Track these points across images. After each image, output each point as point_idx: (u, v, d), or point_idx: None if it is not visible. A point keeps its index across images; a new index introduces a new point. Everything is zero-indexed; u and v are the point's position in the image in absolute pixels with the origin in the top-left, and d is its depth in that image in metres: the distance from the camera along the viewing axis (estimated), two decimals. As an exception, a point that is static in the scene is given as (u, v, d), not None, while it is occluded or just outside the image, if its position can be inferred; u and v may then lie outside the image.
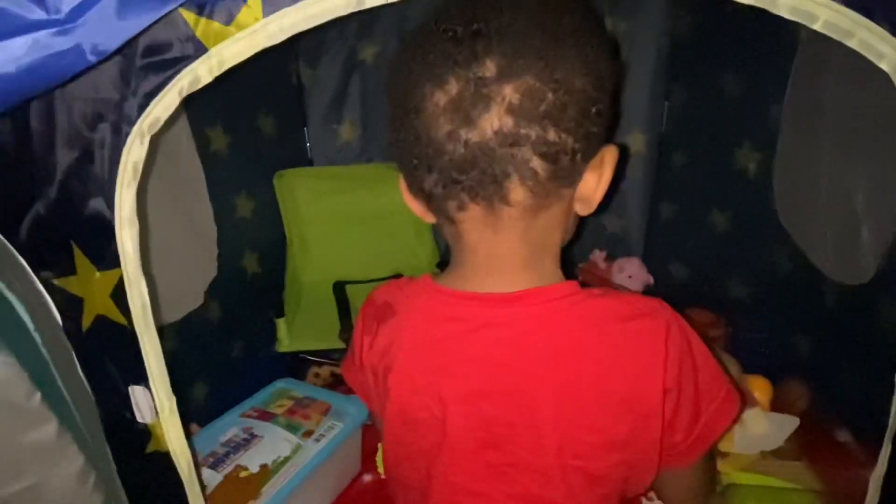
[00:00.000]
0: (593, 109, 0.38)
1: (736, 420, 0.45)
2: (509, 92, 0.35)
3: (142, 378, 0.39)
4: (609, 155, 0.41)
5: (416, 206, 0.43)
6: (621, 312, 0.41)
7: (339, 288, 0.96)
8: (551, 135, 0.36)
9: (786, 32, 0.67)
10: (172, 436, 0.41)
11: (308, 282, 0.98)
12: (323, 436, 0.63)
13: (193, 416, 0.73)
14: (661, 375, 0.40)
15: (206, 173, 0.77)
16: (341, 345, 0.85)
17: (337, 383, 0.84)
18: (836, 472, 0.61)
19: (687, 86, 0.89)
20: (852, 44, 0.36)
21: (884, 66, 0.36)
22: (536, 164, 0.37)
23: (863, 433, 0.58)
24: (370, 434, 0.71)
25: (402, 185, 0.44)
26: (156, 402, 0.40)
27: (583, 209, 0.42)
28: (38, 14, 0.29)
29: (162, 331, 0.69)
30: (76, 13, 0.29)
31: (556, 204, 0.40)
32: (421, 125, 0.37)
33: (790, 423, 0.67)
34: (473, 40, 0.35)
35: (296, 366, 0.86)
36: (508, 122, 0.36)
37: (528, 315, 0.41)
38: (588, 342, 0.40)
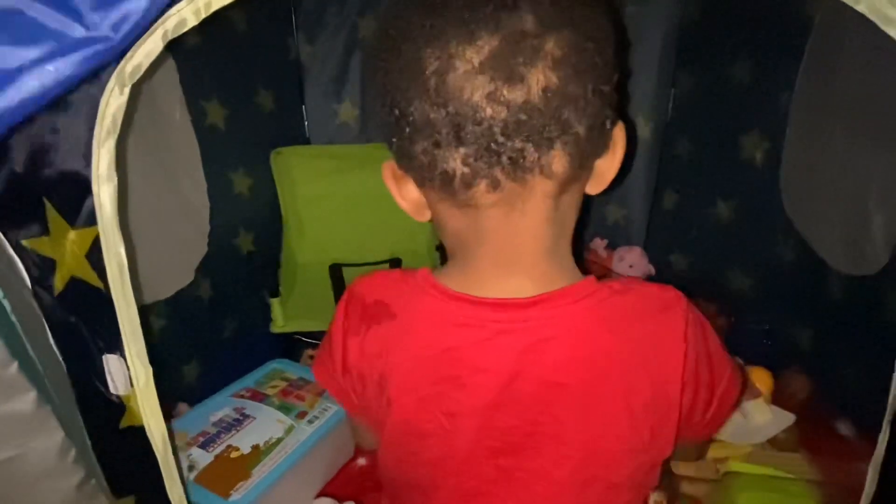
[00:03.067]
0: (615, 76, 0.35)
1: (742, 392, 0.45)
2: (552, 46, 0.32)
3: (116, 346, 0.37)
4: (620, 130, 0.38)
5: (409, 201, 0.39)
6: (643, 309, 0.39)
7: (336, 270, 0.95)
8: (593, 95, 0.33)
9: (797, 18, 0.66)
10: (147, 409, 0.39)
11: (303, 263, 0.96)
12: (317, 418, 0.62)
13: (184, 395, 0.72)
14: (680, 370, 0.38)
15: (200, 147, 0.75)
16: (336, 327, 0.84)
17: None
18: (835, 463, 0.60)
19: (694, 73, 0.87)
20: (860, 8, 0.34)
21: (892, 31, 0.34)
22: (580, 128, 0.33)
23: (864, 425, 0.57)
24: (365, 417, 0.70)
25: (392, 176, 0.39)
26: (131, 373, 0.38)
27: (595, 187, 0.39)
28: (80, 31, 0.29)
29: (151, 307, 0.69)
30: (117, 28, 0.29)
31: (585, 177, 0.38)
32: (448, 90, 0.32)
33: (786, 418, 0.67)
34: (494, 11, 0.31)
35: (290, 347, 0.85)
36: (554, 78, 0.32)
37: (546, 320, 0.37)
38: (613, 346, 0.38)
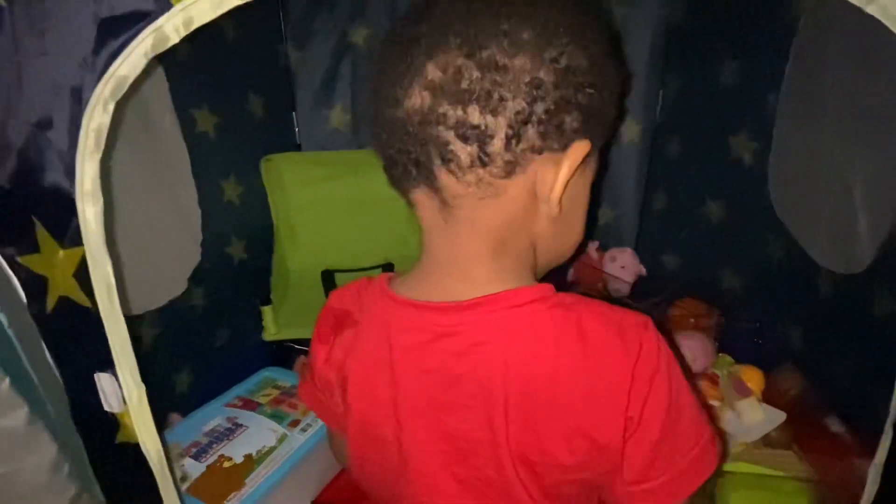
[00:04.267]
0: (539, 93, 0.33)
1: (712, 474, 0.38)
2: (431, 68, 0.34)
3: (108, 364, 0.37)
4: (575, 150, 0.36)
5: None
6: (588, 328, 0.36)
7: (328, 276, 0.94)
8: (474, 116, 0.33)
9: (783, 19, 0.66)
10: (141, 426, 0.39)
11: (296, 269, 0.96)
12: (310, 426, 0.62)
13: (176, 405, 0.71)
14: (623, 404, 0.35)
15: (191, 155, 0.74)
16: (329, 333, 0.84)
17: (325, 373, 0.82)
18: (827, 460, 0.61)
19: (682, 75, 0.88)
20: (871, 10, 0.34)
21: None
22: (457, 146, 0.34)
23: (855, 423, 0.58)
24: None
25: None
26: (123, 391, 0.38)
27: (545, 210, 0.37)
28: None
29: (144, 317, 0.68)
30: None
31: (499, 197, 0.36)
32: (373, 103, 0.37)
33: (778, 416, 0.67)
34: (420, 19, 0.35)
35: (282, 355, 0.84)
36: (427, 99, 0.34)
37: (484, 323, 0.37)
38: (544, 358, 0.36)
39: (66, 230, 0.35)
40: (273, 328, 0.85)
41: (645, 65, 0.89)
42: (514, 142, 0.34)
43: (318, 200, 0.97)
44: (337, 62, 0.98)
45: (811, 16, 0.63)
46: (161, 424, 0.68)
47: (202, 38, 0.80)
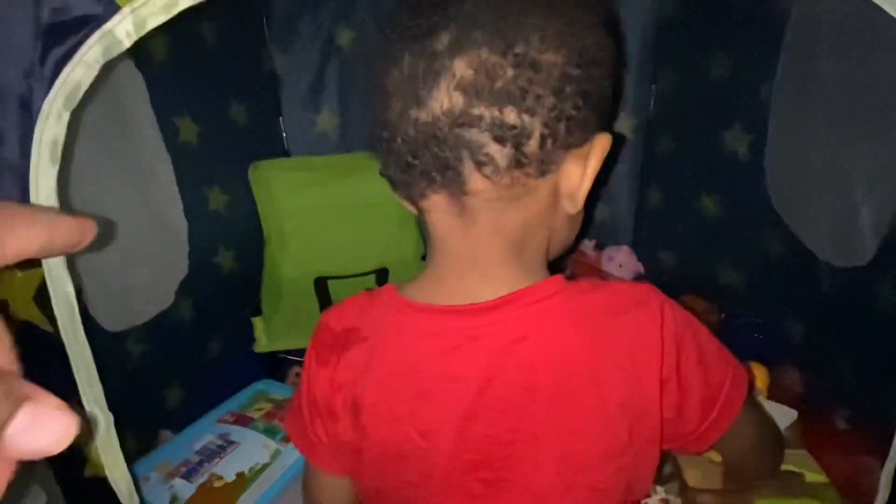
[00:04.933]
0: (569, 89, 0.33)
1: (747, 391, 0.42)
2: (461, 66, 0.32)
3: (73, 393, 0.35)
4: (599, 144, 0.36)
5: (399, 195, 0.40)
6: (613, 305, 0.38)
7: (321, 284, 0.93)
8: (511, 116, 0.32)
9: (774, 9, 0.65)
10: (110, 459, 0.37)
11: (287, 278, 0.94)
12: (304, 440, 0.60)
13: (167, 422, 0.69)
14: (657, 368, 0.37)
15: (174, 165, 0.73)
16: (323, 343, 0.82)
17: (319, 383, 0.81)
18: (838, 458, 0.59)
19: (674, 69, 0.87)
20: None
21: None
22: (493, 149, 0.33)
23: (862, 419, 0.57)
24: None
25: None
26: (89, 420, 0.36)
27: (569, 206, 0.38)
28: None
29: (130, 332, 0.66)
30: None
31: (527, 196, 0.36)
32: (379, 105, 0.35)
33: (789, 415, 0.66)
34: (432, 12, 0.33)
35: (275, 366, 0.82)
36: (459, 100, 0.32)
37: (514, 321, 0.37)
38: (582, 344, 0.37)
39: None
40: (265, 339, 0.83)
41: (637, 59, 0.88)
42: (549, 141, 0.34)
43: (309, 207, 0.95)
44: (323, 65, 0.96)
45: (803, 7, 0.62)
46: (150, 442, 0.66)
47: (182, 44, 0.79)
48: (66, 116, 0.30)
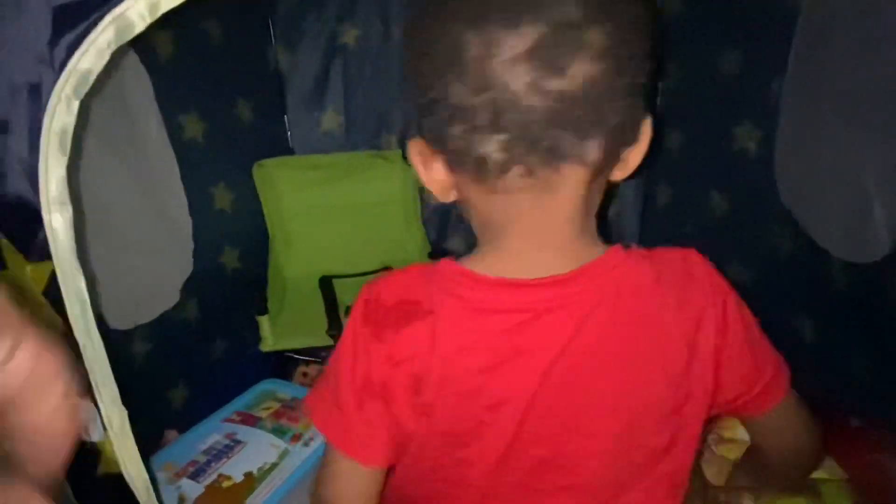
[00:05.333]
0: (650, 68, 0.35)
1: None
2: (595, 37, 0.31)
3: (86, 389, 0.34)
4: (648, 121, 0.38)
5: (436, 182, 0.38)
6: (671, 272, 0.39)
7: (326, 283, 0.92)
8: (631, 87, 0.33)
9: (783, 5, 0.65)
10: (125, 456, 0.36)
11: (292, 277, 0.94)
12: (312, 440, 0.60)
13: (172, 422, 0.69)
14: (713, 333, 0.39)
15: (179, 163, 0.72)
16: (329, 342, 0.81)
17: (325, 382, 0.80)
18: (851, 457, 0.59)
19: (682, 64, 0.86)
20: None
21: None
22: (617, 119, 0.33)
23: (875, 416, 0.56)
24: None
25: (420, 154, 0.37)
26: (103, 417, 0.35)
27: (620, 174, 0.39)
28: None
29: (135, 331, 0.66)
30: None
31: (615, 163, 0.37)
32: (489, 77, 0.31)
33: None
34: None
35: (281, 366, 0.82)
36: (596, 69, 0.32)
37: (592, 291, 0.38)
38: (650, 311, 0.38)
39: (33, 243, 0.31)
40: (271, 339, 0.82)
41: (643, 56, 0.88)
42: (646, 109, 0.36)
43: (313, 205, 0.95)
44: (328, 63, 0.96)
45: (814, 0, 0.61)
46: (156, 442, 0.66)
47: (188, 41, 0.78)
48: (75, 105, 0.29)
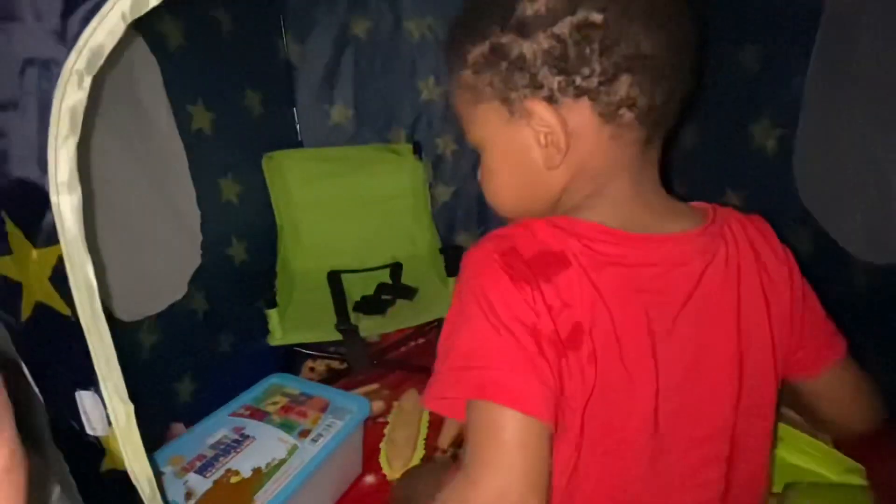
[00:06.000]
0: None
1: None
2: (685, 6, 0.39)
3: (91, 381, 0.33)
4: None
5: (567, 132, 0.38)
6: (753, 228, 0.43)
7: (334, 277, 0.91)
8: (696, 55, 0.41)
9: (806, 0, 0.63)
10: (130, 452, 0.34)
11: (300, 270, 0.93)
12: (321, 435, 0.59)
13: (179, 415, 0.68)
14: (789, 286, 0.43)
15: (188, 153, 0.71)
16: (337, 336, 0.80)
17: (334, 378, 0.79)
18: (872, 459, 0.58)
19: (700, 60, 0.85)
20: None
21: None
22: (693, 81, 0.41)
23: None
24: (371, 432, 0.67)
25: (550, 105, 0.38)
26: (108, 411, 0.34)
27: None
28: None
29: (142, 323, 0.65)
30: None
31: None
32: (662, 33, 0.38)
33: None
34: None
35: (290, 360, 0.81)
36: (691, 32, 0.39)
37: (710, 245, 0.41)
38: (754, 263, 0.42)
39: (40, 227, 0.30)
40: (279, 332, 0.81)
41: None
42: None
43: (322, 198, 0.94)
44: (339, 56, 0.95)
45: (839, -6, 0.60)
46: (162, 432, 0.65)
47: (198, 31, 0.77)
48: (87, 81, 0.28)
